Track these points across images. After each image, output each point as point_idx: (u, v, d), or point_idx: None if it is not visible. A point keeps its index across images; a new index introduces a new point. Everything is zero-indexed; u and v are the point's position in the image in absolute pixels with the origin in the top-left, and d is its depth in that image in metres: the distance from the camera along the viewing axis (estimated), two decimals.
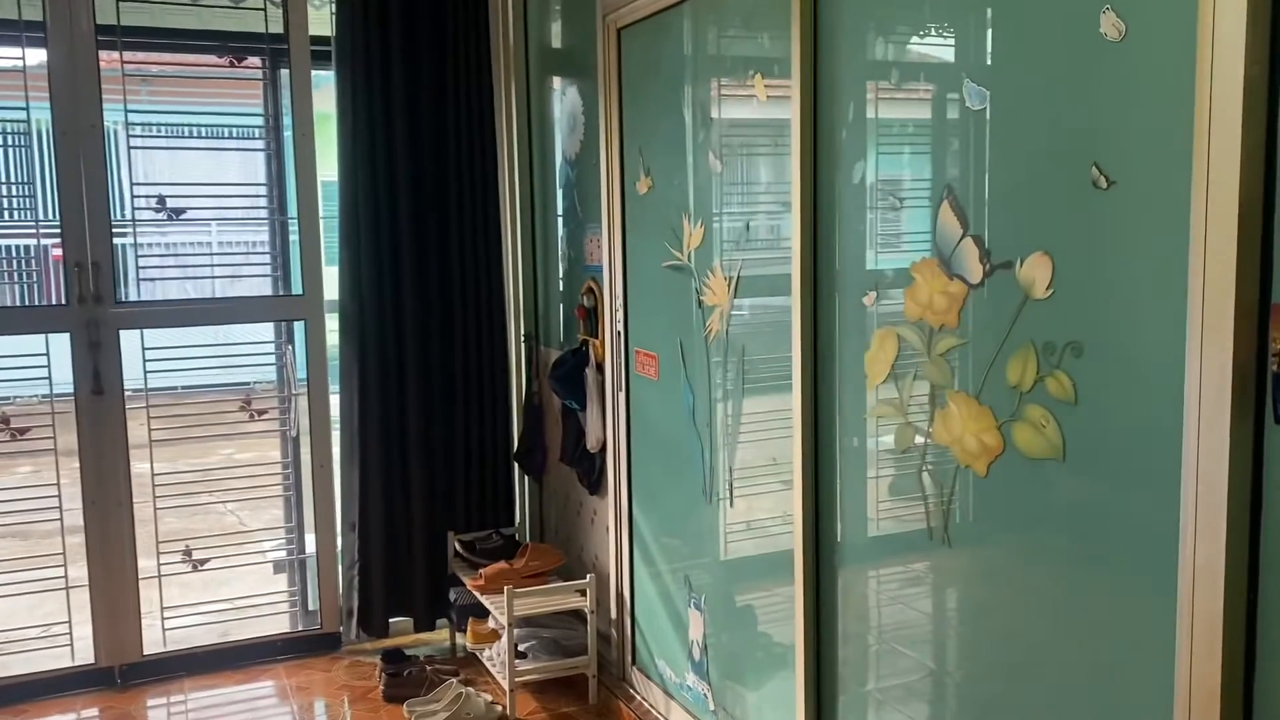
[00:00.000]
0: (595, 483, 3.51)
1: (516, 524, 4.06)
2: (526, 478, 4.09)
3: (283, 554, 3.99)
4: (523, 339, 4.02)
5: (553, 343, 3.89)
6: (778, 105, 2.38)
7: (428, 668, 3.52)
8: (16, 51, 3.33)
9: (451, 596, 3.77)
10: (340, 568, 3.87)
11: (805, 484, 2.34)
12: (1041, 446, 1.71)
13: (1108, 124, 1.56)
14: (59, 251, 3.49)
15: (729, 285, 2.62)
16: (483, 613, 3.56)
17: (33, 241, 3.52)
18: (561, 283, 3.81)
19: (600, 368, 3.40)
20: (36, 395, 3.58)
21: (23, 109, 3.37)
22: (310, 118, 3.70)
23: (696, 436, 2.83)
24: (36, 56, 3.36)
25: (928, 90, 2.05)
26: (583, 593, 3.38)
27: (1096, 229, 1.59)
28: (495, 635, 3.54)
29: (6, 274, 4.09)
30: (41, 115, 3.39)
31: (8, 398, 3.63)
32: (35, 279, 3.58)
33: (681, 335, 2.88)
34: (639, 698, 3.25)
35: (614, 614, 3.39)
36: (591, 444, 3.43)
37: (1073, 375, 1.64)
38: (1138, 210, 1.52)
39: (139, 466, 3.60)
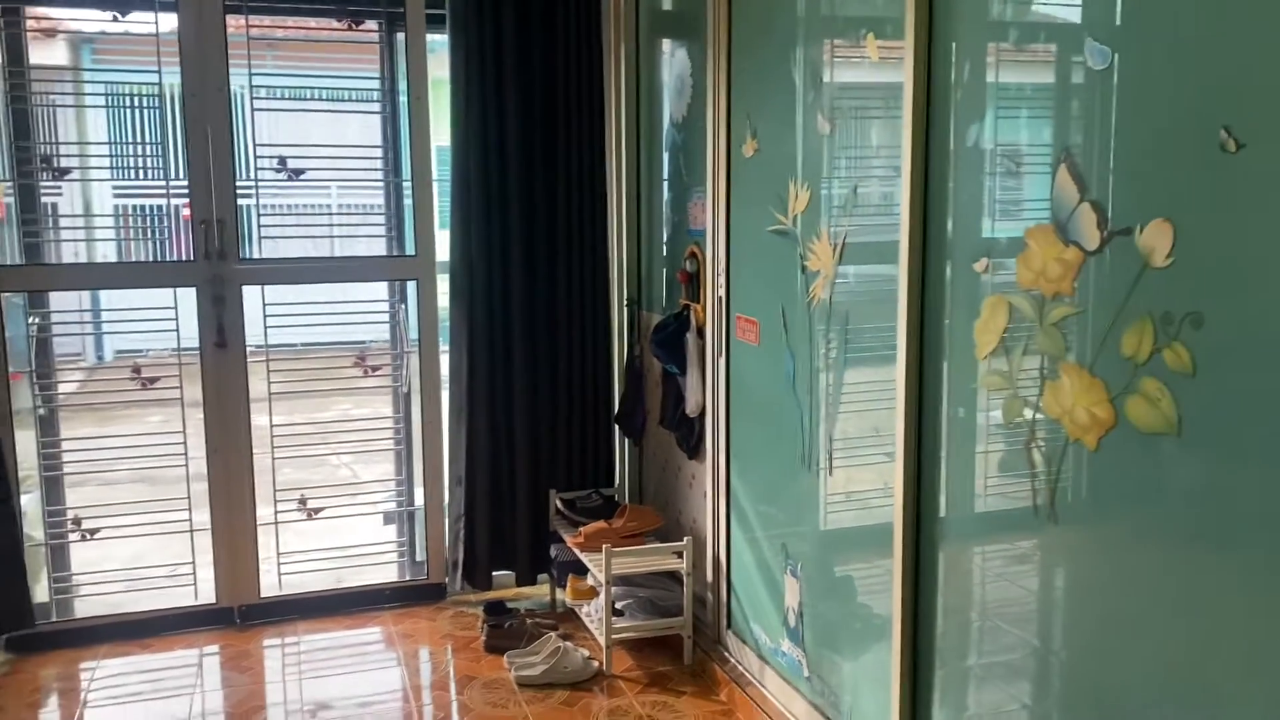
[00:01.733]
0: (694, 447, 3.52)
1: (616, 485, 4.11)
2: (626, 440, 4.13)
3: (392, 506, 4.12)
4: (625, 303, 4.05)
5: (654, 307, 3.90)
6: (890, 67, 2.33)
7: (528, 621, 3.61)
8: (150, 17, 3.48)
9: (552, 553, 3.85)
10: (447, 521, 3.98)
11: (907, 456, 2.30)
12: (1156, 421, 1.64)
13: (1239, 85, 1.48)
14: (189, 211, 3.65)
15: (834, 251, 2.59)
16: (582, 570, 3.62)
17: (164, 201, 3.69)
18: (665, 247, 3.82)
19: (701, 333, 3.40)
20: (165, 348, 3.76)
21: (154, 72, 3.52)
22: (425, 81, 3.77)
23: (796, 404, 2.81)
24: (168, 23, 3.50)
25: (1048, 51, 1.97)
26: (680, 554, 3.41)
27: (1222, 195, 1.51)
28: (593, 592, 3.60)
29: (140, 231, 4.29)
30: (172, 80, 3.54)
31: (139, 350, 3.84)
32: (166, 236, 3.75)
33: (784, 301, 2.85)
34: (733, 660, 3.27)
35: (710, 577, 3.41)
36: (691, 408, 3.44)
37: (1191, 347, 1.57)
38: (1269, 176, 1.44)
39: (258, 419, 3.76)
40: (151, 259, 3.81)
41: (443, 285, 3.91)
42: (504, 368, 3.87)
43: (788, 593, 2.92)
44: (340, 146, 3.85)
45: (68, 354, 3.96)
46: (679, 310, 3.54)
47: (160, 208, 3.72)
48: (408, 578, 4.06)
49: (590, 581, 3.61)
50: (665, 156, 3.76)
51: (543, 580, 4.02)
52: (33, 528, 3.68)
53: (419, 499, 4.06)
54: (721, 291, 3.22)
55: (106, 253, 4.10)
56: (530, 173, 3.80)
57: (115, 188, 4.42)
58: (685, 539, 3.40)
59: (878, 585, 2.51)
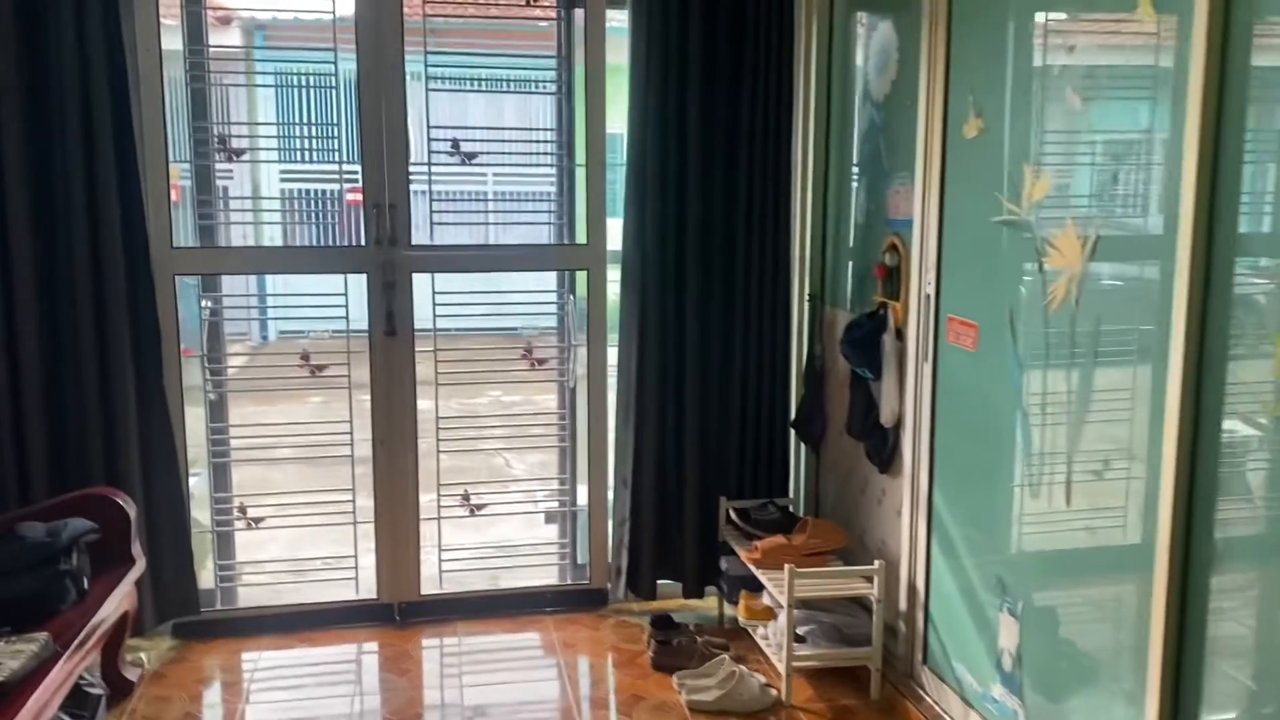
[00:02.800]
0: (887, 460, 3.20)
1: (790, 495, 3.82)
2: (803, 446, 3.84)
3: (555, 504, 3.95)
4: (807, 298, 3.75)
5: (840, 303, 3.59)
6: (1166, 35, 1.97)
7: (698, 639, 3.36)
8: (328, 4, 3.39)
9: (722, 565, 3.60)
10: (610, 524, 3.78)
11: (1178, 475, 1.95)
12: None
13: None
14: (353, 196, 3.55)
15: (1083, 246, 2.23)
16: (756, 587, 3.35)
17: (335, 185, 3.59)
18: (854, 238, 3.50)
19: (901, 334, 3.08)
20: (333, 329, 3.68)
21: (329, 50, 3.41)
22: (602, 60, 3.56)
23: (1023, 417, 2.47)
24: (345, 4, 3.39)
25: None
26: (869, 579, 3.10)
27: None
28: (769, 613, 3.33)
29: (309, 215, 4.23)
30: (347, 66, 3.42)
31: (303, 331, 3.76)
32: (334, 221, 3.65)
33: (1011, 302, 2.51)
34: (929, 700, 2.95)
35: (903, 605, 3.09)
36: (886, 418, 3.12)
37: None
38: None
39: (423, 409, 3.63)
40: (321, 244, 3.71)
41: (612, 274, 3.71)
42: (675, 364, 3.64)
43: (1003, 633, 2.58)
44: (513, 129, 3.68)
45: (236, 333, 3.94)
46: (874, 309, 3.22)
47: (331, 192, 3.62)
48: (569, 581, 3.87)
49: (766, 601, 3.34)
50: (858, 140, 3.44)
51: (710, 593, 3.77)
52: (199, 511, 3.65)
53: (582, 498, 3.87)
54: (930, 289, 2.89)
55: (274, 236, 4.05)
56: (710, 157, 3.55)
57: (284, 171, 4.38)
58: (876, 563, 3.09)
59: (1126, 626, 2.16)
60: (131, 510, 3.05)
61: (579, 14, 3.59)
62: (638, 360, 3.60)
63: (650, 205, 3.53)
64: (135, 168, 3.19)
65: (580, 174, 3.66)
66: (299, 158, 3.68)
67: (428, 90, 3.47)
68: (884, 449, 3.20)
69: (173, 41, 3.36)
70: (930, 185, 2.86)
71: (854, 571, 3.17)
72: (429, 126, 3.52)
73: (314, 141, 3.76)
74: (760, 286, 3.64)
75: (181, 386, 3.41)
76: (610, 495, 3.79)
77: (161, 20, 3.26)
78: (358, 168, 3.47)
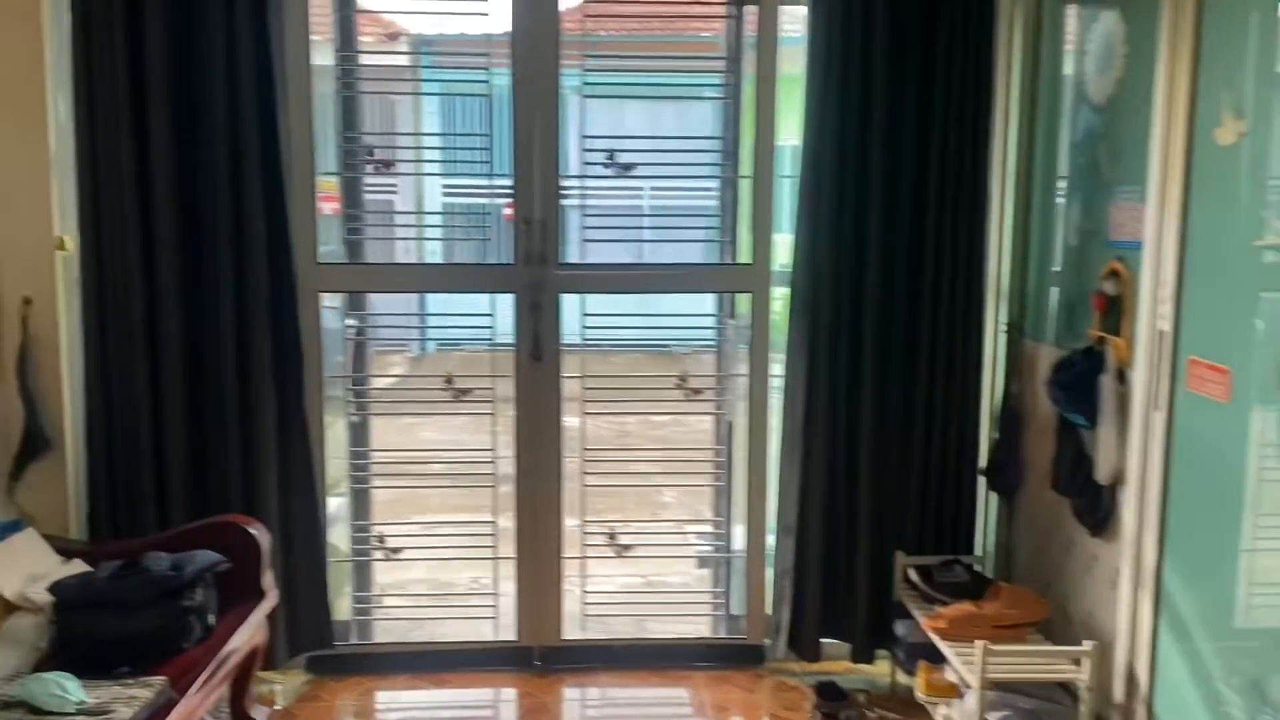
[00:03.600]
0: (1100, 521, 2.73)
1: (976, 553, 3.37)
2: (994, 497, 3.38)
3: (708, 549, 3.62)
4: (1003, 329, 3.30)
5: (1042, 336, 3.14)
6: None
7: (868, 714, 2.96)
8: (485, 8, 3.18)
9: (898, 630, 3.18)
10: (770, 574, 3.42)
11: None
12: None
13: None
14: (509, 210, 3.34)
15: None
16: (937, 657, 2.93)
17: (484, 200, 3.37)
18: (1062, 261, 3.04)
19: (1123, 376, 2.61)
20: (478, 349, 3.46)
21: (483, 56, 3.20)
22: (774, 59, 3.23)
23: None
24: (501, 20, 3.18)
25: None
26: (1076, 661, 2.63)
27: None
28: (953, 690, 2.90)
29: (458, 230, 4.04)
30: (500, 80, 3.20)
31: (451, 341, 3.55)
32: (487, 237, 3.43)
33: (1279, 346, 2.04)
34: None
35: (1119, 696, 2.61)
36: (1103, 473, 2.66)
37: None
38: None
39: (569, 421, 3.36)
40: (468, 260, 3.51)
41: (776, 296, 3.37)
42: (849, 399, 3.25)
43: None
44: (672, 139, 3.38)
45: (392, 342, 3.73)
46: (1088, 345, 2.76)
47: (479, 207, 3.41)
48: (722, 634, 3.53)
49: (950, 676, 2.91)
50: (1069, 149, 2.99)
51: (881, 657, 3.36)
52: (336, 536, 3.49)
53: (737, 543, 3.53)
54: (1165, 324, 2.42)
55: (421, 251, 3.88)
56: (895, 170, 3.16)
57: (443, 186, 4.23)
58: (1086, 643, 2.62)
59: None
60: (265, 540, 2.89)
61: (750, 12, 3.26)
62: (806, 393, 3.24)
63: (825, 222, 3.17)
64: (281, 180, 3.05)
65: (745, 187, 3.33)
66: (452, 169, 3.48)
67: (583, 98, 3.21)
68: (1097, 508, 2.73)
69: (322, 57, 3.21)
70: (1169, 201, 2.40)
71: (1059, 652, 2.71)
72: (583, 136, 3.26)
73: (462, 154, 3.56)
74: (950, 314, 3.22)
75: (322, 409, 3.26)
76: (770, 541, 3.43)
77: (311, 35, 3.12)
78: (509, 181, 3.25)
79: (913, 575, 3.13)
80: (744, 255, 3.37)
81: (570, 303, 3.33)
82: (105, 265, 3.03)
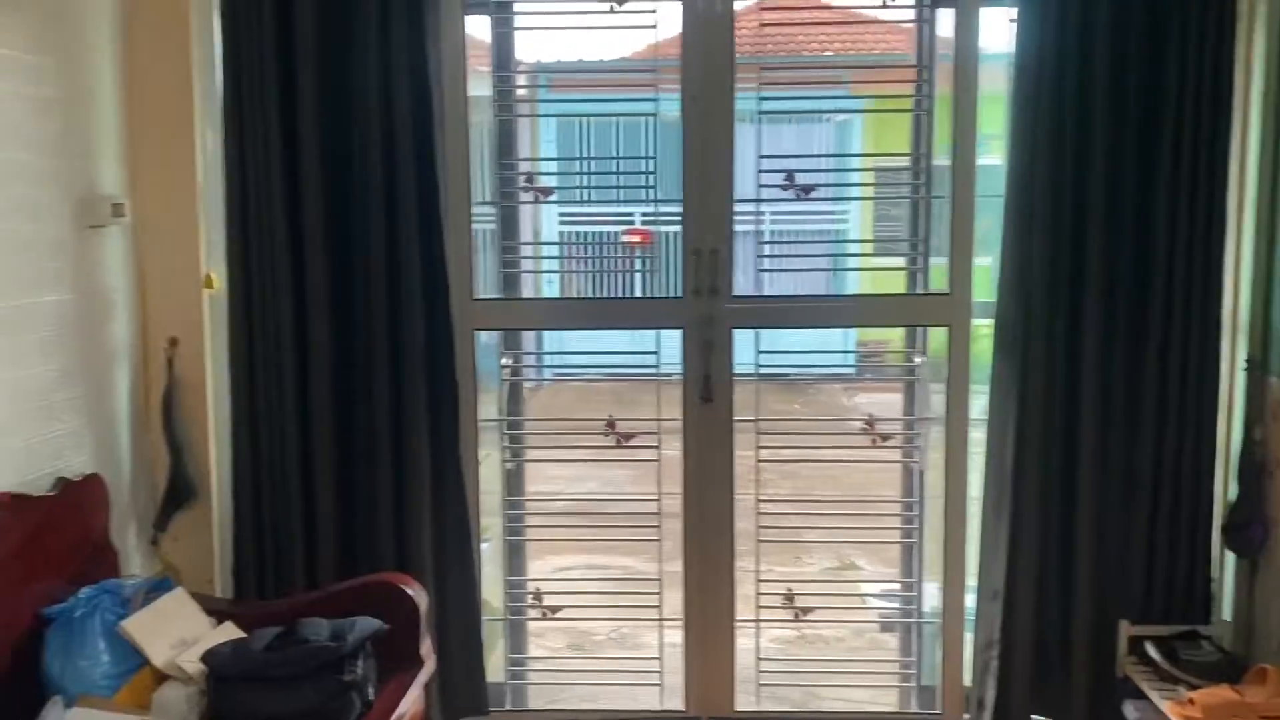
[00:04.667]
0: None
1: (1213, 622, 2.93)
2: (1233, 559, 2.94)
3: (895, 611, 3.26)
4: (1243, 366, 2.88)
5: None
6: None
7: None
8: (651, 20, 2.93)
9: (1129, 713, 2.76)
10: (970, 642, 3.04)
11: None
12: None
13: None
14: (631, 237, 3.07)
15: None
16: None
17: (651, 229, 3.10)
18: None
19: None
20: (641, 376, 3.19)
21: (650, 73, 2.95)
22: (974, 65, 2.89)
23: None
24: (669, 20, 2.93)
25: None
26: None
27: None
28: None
29: (625, 263, 3.80)
30: (667, 105, 2.95)
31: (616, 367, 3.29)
32: (649, 269, 3.16)
33: None
34: None
35: None
36: None
37: None
38: None
39: (740, 493, 3.06)
40: (631, 294, 3.25)
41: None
42: (1065, 447, 2.87)
43: None
44: (855, 156, 3.07)
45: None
46: None
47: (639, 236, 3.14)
48: (913, 707, 3.16)
49: None
50: None
51: None
52: (487, 593, 3.23)
53: (929, 606, 3.16)
54: None
55: (578, 285, 3.65)
56: (1118, 186, 2.79)
57: (577, 214, 3.99)
58: None
59: None
60: (423, 602, 2.65)
61: (944, 15, 2.94)
62: (1015, 440, 2.86)
63: (1037, 247, 2.81)
64: (437, 212, 2.84)
65: (941, 209, 2.99)
66: (611, 196, 3.24)
67: (758, 114, 2.92)
68: None
69: (477, 88, 3.00)
70: None
71: None
72: (759, 157, 2.97)
73: (623, 180, 3.31)
74: (1182, 350, 2.81)
75: (477, 456, 3.02)
76: (969, 604, 3.05)
77: (469, 64, 2.92)
78: (674, 208, 2.98)
79: (1151, 650, 2.71)
80: (938, 284, 3.03)
81: (741, 339, 3.03)
82: (254, 304, 2.85)
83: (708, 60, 2.89)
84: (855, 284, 3.47)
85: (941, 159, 2.96)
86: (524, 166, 3.10)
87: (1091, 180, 2.78)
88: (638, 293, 3.63)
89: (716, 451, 3.03)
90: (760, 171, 2.97)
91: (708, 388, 2.99)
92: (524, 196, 3.09)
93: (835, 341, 3.13)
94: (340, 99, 2.81)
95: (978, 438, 2.98)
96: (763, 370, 3.02)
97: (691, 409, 3.02)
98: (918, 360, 3.10)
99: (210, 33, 2.86)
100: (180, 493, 2.94)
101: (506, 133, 3.08)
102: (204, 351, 2.95)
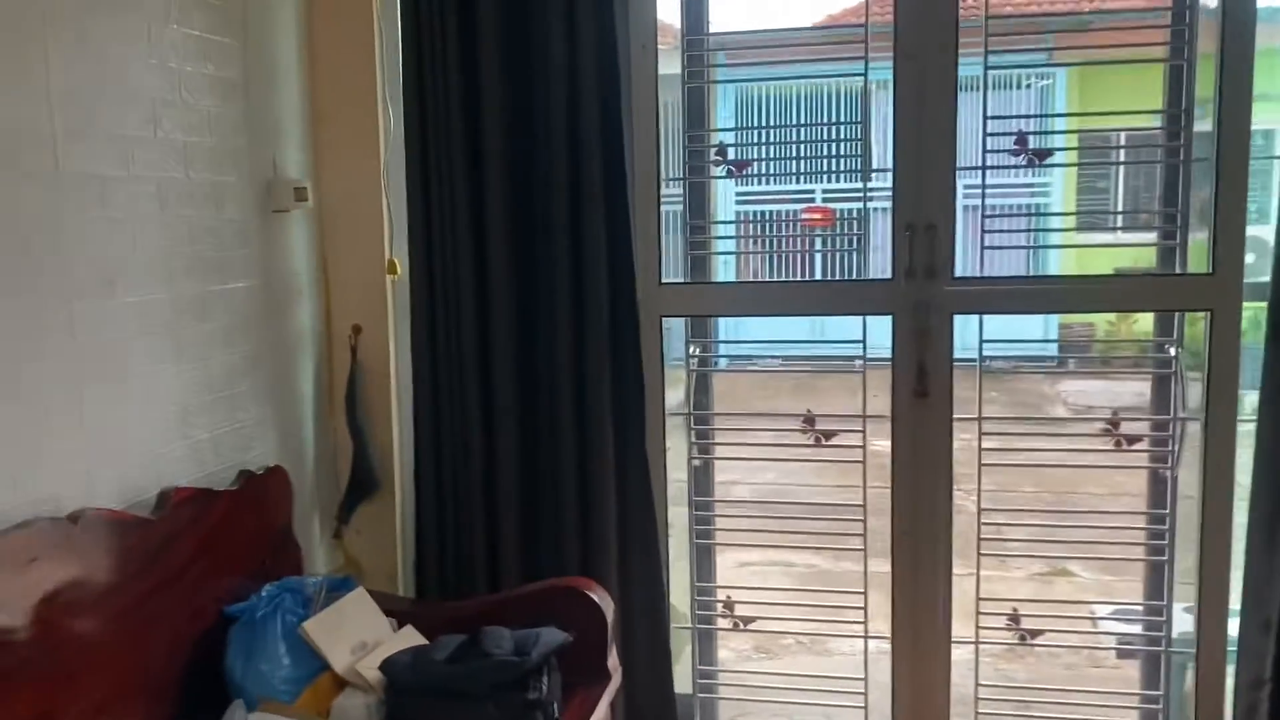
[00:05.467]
0: None
1: None
2: None
3: (1138, 636, 2.85)
4: None
5: None
6: None
7: None
8: None
9: None
10: (1232, 675, 2.61)
11: None
12: None
13: None
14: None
15: None
16: None
17: (856, 204, 2.78)
18: None
19: None
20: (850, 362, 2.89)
21: (860, 29, 2.64)
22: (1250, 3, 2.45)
23: None
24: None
25: None
26: None
27: None
28: None
29: (829, 241, 3.50)
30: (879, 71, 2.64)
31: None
32: (855, 247, 2.85)
33: None
34: None
35: None
36: None
37: None
38: None
39: (961, 500, 2.73)
40: (835, 276, 2.96)
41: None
42: None
43: None
44: (1099, 114, 2.67)
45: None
46: None
47: (851, 212, 2.83)
48: None
49: None
50: None
51: None
52: (677, 599, 3.02)
53: (1179, 630, 2.74)
54: None
55: (773, 267, 3.38)
56: None
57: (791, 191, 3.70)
58: None
59: None
60: (609, 610, 2.46)
61: None
62: None
63: None
64: (624, 192, 2.63)
65: (1202, 173, 2.56)
66: (820, 167, 2.93)
67: (986, 69, 2.57)
68: None
69: (668, 65, 2.78)
70: None
71: None
72: (985, 118, 2.62)
73: (830, 149, 3.00)
74: None
75: (665, 452, 2.81)
76: (1232, 635, 2.62)
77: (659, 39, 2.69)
78: (884, 181, 2.67)
79: None
80: (1197, 263, 2.60)
81: (962, 325, 2.69)
82: (436, 291, 2.72)
83: (924, 15, 2.56)
84: (1057, 263, 3.08)
85: (1202, 124, 2.53)
86: (715, 141, 2.84)
87: None
88: (817, 275, 3.34)
89: (932, 451, 2.70)
90: (988, 135, 2.61)
91: (923, 381, 2.67)
92: (715, 171, 2.82)
93: (1035, 327, 2.73)
94: (523, 77, 2.63)
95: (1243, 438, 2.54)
96: (988, 359, 2.67)
97: (903, 404, 2.70)
98: (1171, 351, 2.67)
99: (393, 12, 2.75)
100: (364, 484, 2.87)
101: (696, 105, 2.84)
102: (388, 339, 2.86)
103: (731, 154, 2.87)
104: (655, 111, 2.70)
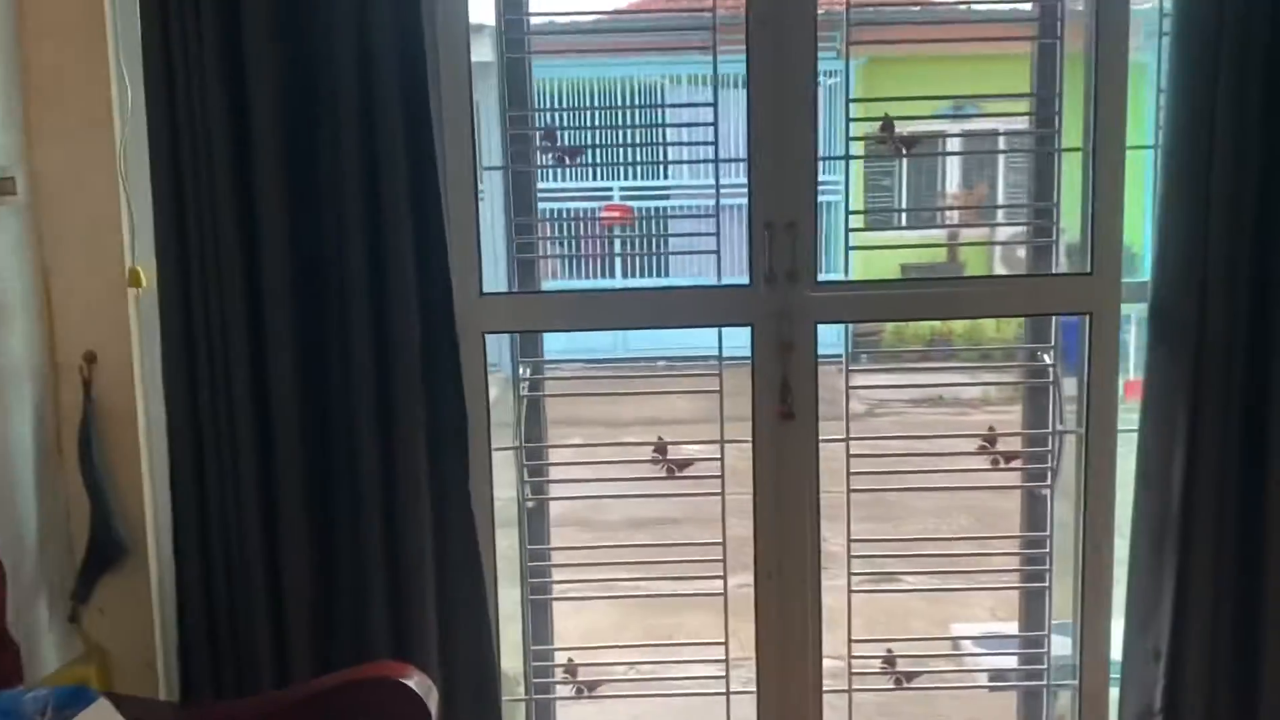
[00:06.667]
0: None
1: None
2: None
3: (1014, 666, 2.64)
4: None
5: None
6: None
7: None
8: None
9: None
10: (1115, 708, 2.43)
11: None
12: None
13: None
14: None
15: None
16: None
17: (708, 201, 2.41)
18: None
19: None
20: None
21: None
22: None
23: None
24: None
25: None
26: None
27: None
28: None
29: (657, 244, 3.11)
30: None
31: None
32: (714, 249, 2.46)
33: None
34: None
35: None
36: None
37: None
38: None
39: (830, 532, 2.42)
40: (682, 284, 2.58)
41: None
42: (1250, 468, 2.25)
43: None
44: (966, 99, 2.43)
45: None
46: None
47: (700, 209, 2.46)
48: None
49: None
50: None
51: None
52: (509, 660, 2.57)
53: (1057, 657, 2.54)
54: None
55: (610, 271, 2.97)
56: None
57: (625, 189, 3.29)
58: None
59: None
60: (432, 700, 1.98)
61: None
62: (1185, 462, 2.24)
63: (1217, 211, 2.17)
64: (434, 182, 2.16)
65: (1073, 163, 2.35)
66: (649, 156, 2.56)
67: (848, 38, 2.26)
68: None
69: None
70: None
71: None
72: (848, 101, 2.31)
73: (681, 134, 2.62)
74: None
75: (492, 497, 2.36)
76: (1114, 659, 2.45)
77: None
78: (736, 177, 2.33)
79: None
80: (1074, 261, 2.39)
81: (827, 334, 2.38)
82: (195, 306, 2.15)
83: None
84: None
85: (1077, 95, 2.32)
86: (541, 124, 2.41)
87: None
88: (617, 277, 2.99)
89: (796, 482, 2.38)
90: (850, 121, 2.30)
91: (787, 400, 2.34)
92: (545, 160, 2.39)
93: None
94: (302, 38, 2.11)
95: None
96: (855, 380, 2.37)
97: (765, 427, 2.37)
98: (1047, 359, 2.45)
99: None
100: (106, 552, 2.27)
101: (518, 79, 2.40)
102: (132, 369, 2.26)
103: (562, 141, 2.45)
104: (468, 78, 2.24)
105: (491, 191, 2.44)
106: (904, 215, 8.38)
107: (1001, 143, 2.58)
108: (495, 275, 2.40)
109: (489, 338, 2.33)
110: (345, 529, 2.21)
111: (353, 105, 2.10)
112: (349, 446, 2.18)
